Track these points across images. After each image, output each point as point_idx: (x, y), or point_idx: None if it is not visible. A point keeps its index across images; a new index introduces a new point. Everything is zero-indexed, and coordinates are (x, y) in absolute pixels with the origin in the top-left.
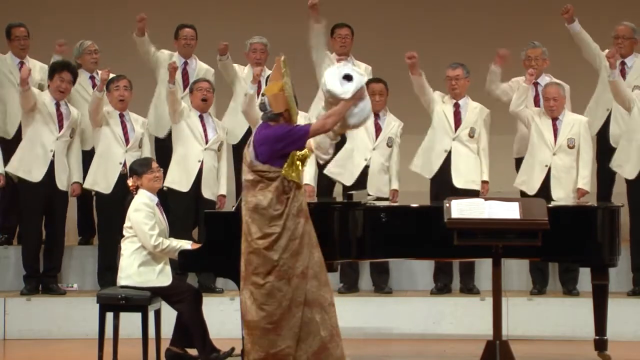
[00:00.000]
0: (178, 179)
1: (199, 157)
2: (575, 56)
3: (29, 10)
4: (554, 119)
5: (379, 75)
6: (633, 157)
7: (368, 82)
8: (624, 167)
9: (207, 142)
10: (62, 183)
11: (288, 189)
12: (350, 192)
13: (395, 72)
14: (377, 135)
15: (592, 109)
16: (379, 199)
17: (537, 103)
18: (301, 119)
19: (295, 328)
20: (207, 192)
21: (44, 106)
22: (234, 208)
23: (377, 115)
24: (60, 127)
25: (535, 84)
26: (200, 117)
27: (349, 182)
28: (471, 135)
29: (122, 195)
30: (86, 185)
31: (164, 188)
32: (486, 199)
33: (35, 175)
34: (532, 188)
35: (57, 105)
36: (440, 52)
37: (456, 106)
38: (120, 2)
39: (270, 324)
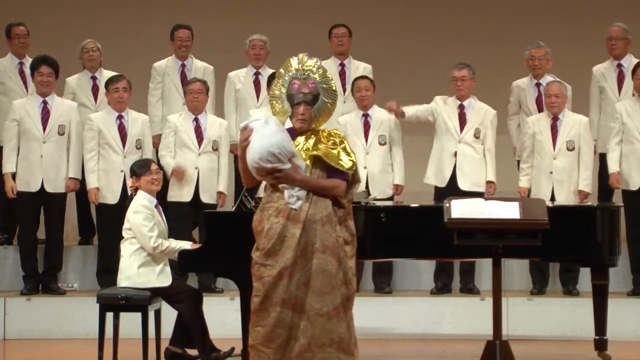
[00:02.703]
0: (179, 191)
1: (195, 165)
2: (576, 57)
3: (29, 10)
4: (554, 119)
5: (379, 75)
6: (633, 169)
7: (355, 80)
8: (628, 181)
9: (200, 147)
10: (54, 186)
11: (267, 188)
12: None
13: (395, 72)
14: (366, 138)
15: (601, 123)
16: (377, 199)
17: (539, 104)
18: None
19: (268, 327)
20: (205, 197)
21: (27, 116)
22: (233, 208)
23: (366, 114)
24: (45, 128)
25: (538, 85)
26: (195, 120)
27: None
28: (476, 136)
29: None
30: (100, 201)
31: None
32: (486, 199)
33: (34, 185)
34: (543, 197)
35: (44, 103)
36: (440, 52)
37: (461, 107)
38: (120, 2)
39: (252, 314)
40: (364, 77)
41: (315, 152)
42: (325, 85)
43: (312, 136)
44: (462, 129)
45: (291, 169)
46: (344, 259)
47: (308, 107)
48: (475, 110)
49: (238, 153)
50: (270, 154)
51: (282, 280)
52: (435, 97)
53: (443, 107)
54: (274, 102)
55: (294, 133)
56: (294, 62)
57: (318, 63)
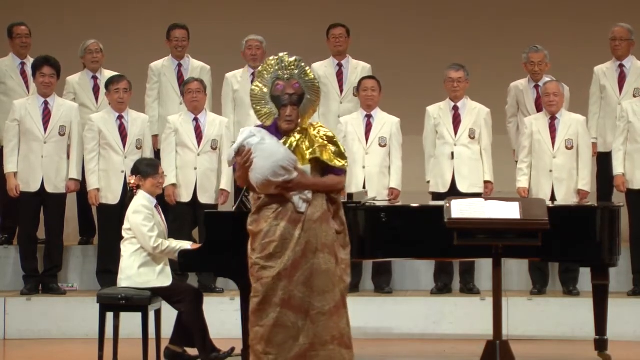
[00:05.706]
0: (179, 192)
1: (194, 165)
2: (575, 58)
3: (29, 10)
4: (552, 118)
5: (377, 75)
6: (638, 167)
7: (362, 79)
8: (632, 180)
9: (199, 147)
10: (54, 186)
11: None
12: (350, 192)
13: (394, 72)
14: (367, 138)
15: (600, 122)
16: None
17: (538, 106)
18: None
19: (267, 327)
20: (203, 198)
21: (28, 116)
22: (234, 208)
23: (369, 115)
24: (46, 129)
25: (537, 87)
26: (195, 119)
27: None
28: (471, 136)
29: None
30: (101, 201)
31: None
32: (486, 199)
33: (34, 185)
34: (544, 196)
35: (45, 104)
36: (439, 52)
37: (455, 109)
38: (120, 2)
39: (251, 315)
40: (371, 77)
41: (315, 155)
42: (309, 83)
43: (301, 135)
44: (457, 131)
45: (299, 176)
46: (339, 253)
47: (294, 108)
48: (469, 110)
49: (236, 173)
50: (281, 168)
51: (281, 282)
52: (427, 109)
53: (438, 113)
54: (258, 107)
55: (279, 133)
56: (273, 61)
57: (299, 61)
